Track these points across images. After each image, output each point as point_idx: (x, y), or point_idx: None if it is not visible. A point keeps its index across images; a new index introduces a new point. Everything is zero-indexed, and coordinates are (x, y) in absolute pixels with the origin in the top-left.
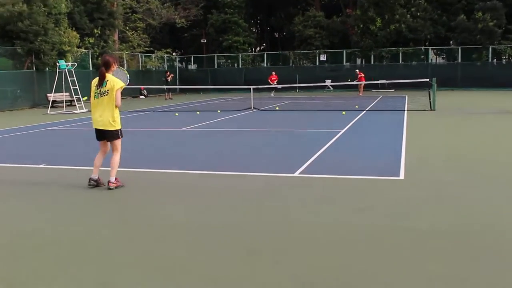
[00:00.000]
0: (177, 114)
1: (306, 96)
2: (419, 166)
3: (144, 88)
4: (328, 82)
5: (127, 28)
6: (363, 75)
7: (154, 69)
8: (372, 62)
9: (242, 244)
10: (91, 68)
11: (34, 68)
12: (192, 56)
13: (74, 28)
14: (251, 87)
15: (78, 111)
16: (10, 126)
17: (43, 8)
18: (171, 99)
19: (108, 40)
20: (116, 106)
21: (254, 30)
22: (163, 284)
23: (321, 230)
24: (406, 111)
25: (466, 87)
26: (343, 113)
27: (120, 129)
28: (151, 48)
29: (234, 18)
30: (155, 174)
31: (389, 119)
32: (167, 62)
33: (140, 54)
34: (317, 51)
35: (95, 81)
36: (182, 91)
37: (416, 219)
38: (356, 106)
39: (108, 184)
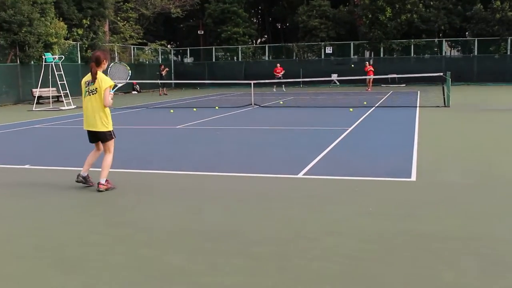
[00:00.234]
0: (172, 111)
1: (311, 91)
2: (432, 167)
3: (137, 83)
4: (334, 77)
5: (119, 18)
6: (372, 69)
7: (147, 62)
8: (381, 55)
9: (242, 249)
10: (79, 62)
11: (18, 61)
12: (188, 48)
13: (61, 19)
14: (252, 82)
15: (66, 107)
16: None
17: None
18: (166, 94)
19: (98, 32)
20: (105, 106)
21: (254, 20)
22: None
23: (327, 235)
24: (418, 108)
25: (482, 81)
26: (351, 109)
27: (112, 130)
28: (144, 40)
29: (233, 8)
30: (148, 175)
31: (399, 116)
32: (161, 55)
33: (132, 47)
34: (323, 43)
35: (86, 78)
36: (178, 86)
37: (427, 222)
38: (365, 103)
39: (98, 186)
